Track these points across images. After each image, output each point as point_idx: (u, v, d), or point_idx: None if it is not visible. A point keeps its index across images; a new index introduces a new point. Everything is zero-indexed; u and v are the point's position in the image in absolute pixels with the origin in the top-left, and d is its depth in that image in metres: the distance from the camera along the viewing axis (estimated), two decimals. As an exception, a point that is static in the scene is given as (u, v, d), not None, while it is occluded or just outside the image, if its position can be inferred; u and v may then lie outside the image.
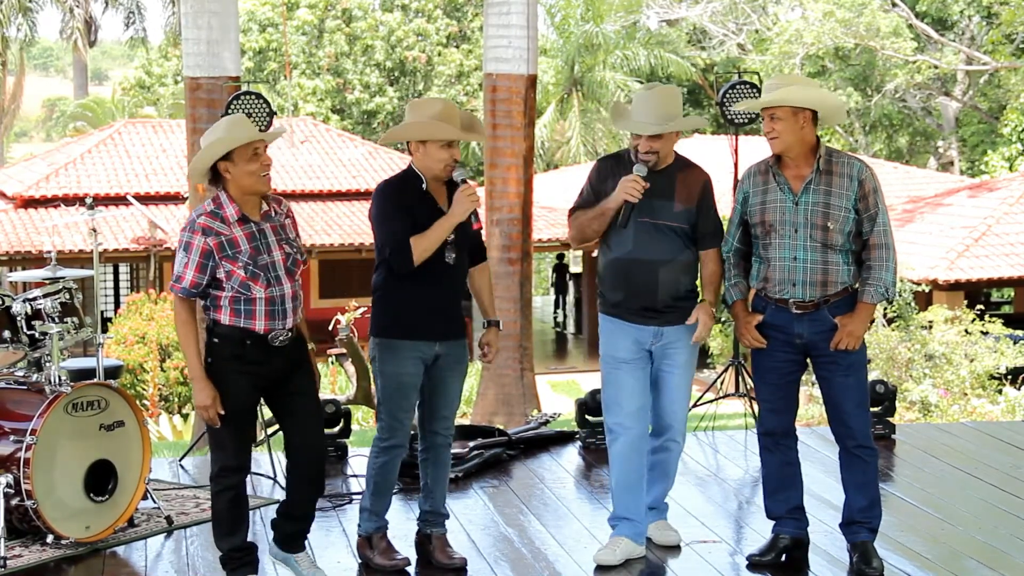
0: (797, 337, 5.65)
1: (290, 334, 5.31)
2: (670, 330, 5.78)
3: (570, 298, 32.06)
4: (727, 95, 8.63)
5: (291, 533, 5.58)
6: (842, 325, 5.58)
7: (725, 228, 5.82)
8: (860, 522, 5.76)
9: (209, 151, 5.17)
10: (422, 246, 5.47)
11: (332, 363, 17.09)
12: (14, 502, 5.93)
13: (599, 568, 5.77)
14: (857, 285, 5.63)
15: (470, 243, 5.71)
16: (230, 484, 5.34)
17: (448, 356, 5.66)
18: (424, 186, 5.57)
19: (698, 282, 5.88)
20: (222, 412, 5.22)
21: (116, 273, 26.80)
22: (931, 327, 16.03)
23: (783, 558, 5.83)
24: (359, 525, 5.84)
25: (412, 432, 5.84)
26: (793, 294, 5.61)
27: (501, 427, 8.62)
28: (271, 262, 5.24)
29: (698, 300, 5.84)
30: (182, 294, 5.21)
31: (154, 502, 6.44)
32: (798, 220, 5.56)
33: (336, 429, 7.59)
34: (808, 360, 5.75)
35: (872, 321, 5.69)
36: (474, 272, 5.81)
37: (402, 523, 6.27)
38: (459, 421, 12.16)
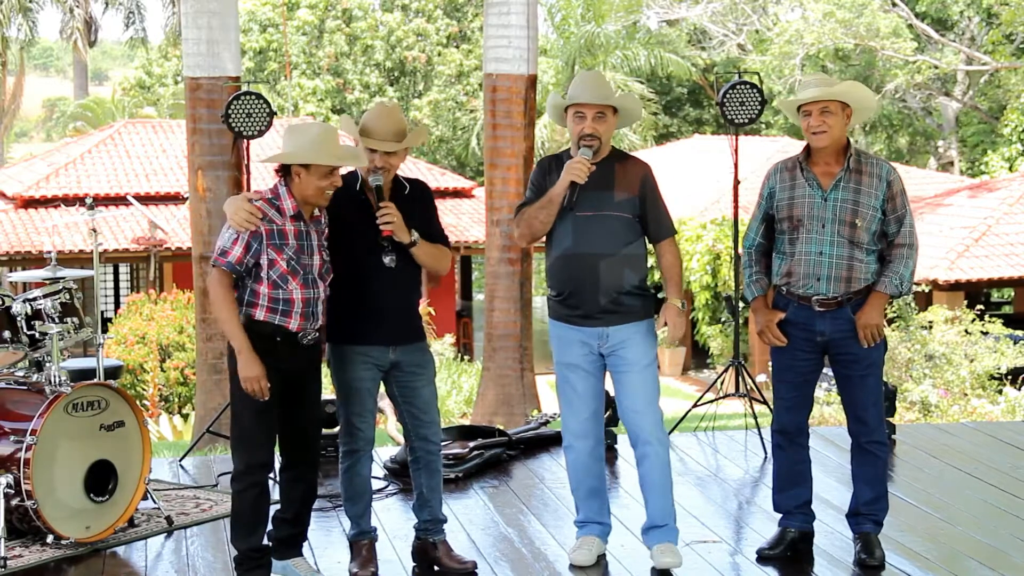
0: (818, 335, 5.67)
1: (316, 334, 5.38)
2: (615, 331, 5.63)
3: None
4: (727, 95, 8.61)
5: (286, 537, 5.58)
6: (858, 319, 5.60)
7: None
8: (865, 514, 5.83)
9: (293, 157, 5.19)
10: None
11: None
12: (14, 502, 5.93)
13: (593, 569, 5.78)
14: None
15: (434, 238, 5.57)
16: (255, 481, 5.33)
17: (408, 362, 5.59)
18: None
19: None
20: (268, 384, 5.18)
21: (116, 273, 26.74)
22: (931, 327, 16.02)
23: (791, 552, 5.86)
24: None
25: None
26: (817, 289, 5.63)
27: (501, 427, 8.61)
28: (310, 264, 5.31)
29: (653, 297, 5.72)
30: (226, 267, 5.20)
31: (154, 502, 6.45)
32: (826, 216, 5.59)
33: (335, 430, 7.57)
34: (825, 358, 5.77)
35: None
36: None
37: (402, 524, 6.27)
38: (459, 421, 12.19)
